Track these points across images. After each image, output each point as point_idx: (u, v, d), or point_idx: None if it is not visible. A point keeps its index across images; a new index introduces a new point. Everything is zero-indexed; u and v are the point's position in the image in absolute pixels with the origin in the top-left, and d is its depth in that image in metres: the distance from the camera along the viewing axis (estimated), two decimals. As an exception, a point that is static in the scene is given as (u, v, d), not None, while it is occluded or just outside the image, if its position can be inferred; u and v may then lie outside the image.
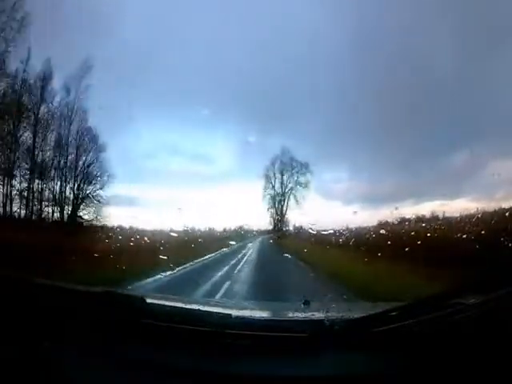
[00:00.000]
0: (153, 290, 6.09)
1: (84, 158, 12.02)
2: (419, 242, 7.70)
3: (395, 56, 12.39)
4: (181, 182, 15.60)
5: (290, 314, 1.59)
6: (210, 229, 17.57)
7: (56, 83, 11.96)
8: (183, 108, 13.49)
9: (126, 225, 11.95)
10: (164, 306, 1.46)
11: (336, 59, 12.74)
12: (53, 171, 11.67)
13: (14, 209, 10.90)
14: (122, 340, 1.16)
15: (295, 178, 19.47)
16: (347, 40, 12.57)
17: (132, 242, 9.44)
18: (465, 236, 6.78)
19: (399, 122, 12.83)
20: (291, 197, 19.47)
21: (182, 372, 1.05)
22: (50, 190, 11.40)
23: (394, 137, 12.94)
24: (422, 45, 12.07)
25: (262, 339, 1.10)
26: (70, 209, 11.51)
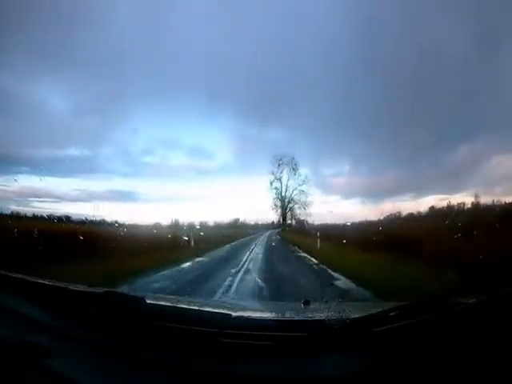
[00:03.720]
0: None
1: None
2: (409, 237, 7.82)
3: (398, 51, 12.32)
4: (179, 177, 15.41)
5: (290, 314, 1.59)
6: (202, 222, 15.25)
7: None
8: (181, 102, 13.38)
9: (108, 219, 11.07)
10: (164, 306, 1.46)
11: (338, 54, 12.62)
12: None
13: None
14: (121, 340, 1.16)
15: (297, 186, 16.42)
16: (351, 33, 12.46)
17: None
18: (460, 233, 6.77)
19: (400, 117, 12.77)
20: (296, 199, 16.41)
21: (182, 372, 1.05)
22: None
23: (395, 131, 12.89)
24: (425, 40, 12.02)
25: (262, 339, 1.10)
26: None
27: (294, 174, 18.06)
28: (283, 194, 18.49)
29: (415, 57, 12.13)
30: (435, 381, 0.95)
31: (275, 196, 18.36)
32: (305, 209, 18.11)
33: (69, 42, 11.54)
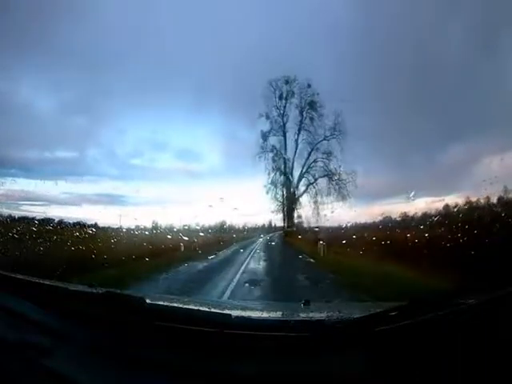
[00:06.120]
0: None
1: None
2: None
3: (391, 50, 12.20)
4: (167, 179, 14.73)
5: (291, 314, 1.59)
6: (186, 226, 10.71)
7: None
8: (169, 101, 13.14)
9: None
10: (164, 306, 1.47)
11: (331, 53, 12.38)
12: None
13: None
14: (121, 340, 1.16)
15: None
16: (343, 32, 12.25)
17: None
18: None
19: (392, 118, 12.66)
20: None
21: (182, 372, 1.05)
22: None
23: (387, 133, 12.74)
24: (420, 37, 11.94)
25: (262, 339, 1.10)
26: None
27: (311, 120, 8.53)
28: (289, 159, 9.12)
29: (408, 56, 12.01)
30: (435, 381, 0.95)
31: (273, 165, 9.02)
32: (338, 185, 8.53)
33: (53, 39, 11.28)
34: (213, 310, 1.49)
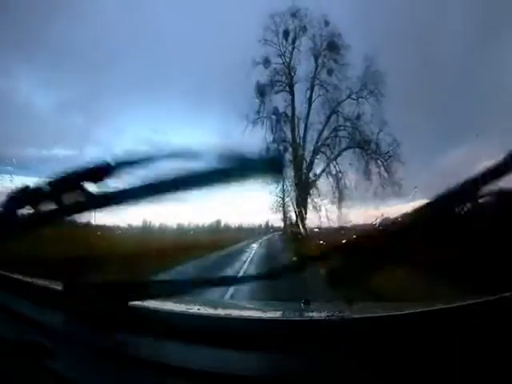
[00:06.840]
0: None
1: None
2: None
3: (391, 48, 12.12)
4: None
5: (290, 314, 1.59)
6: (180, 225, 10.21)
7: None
8: (167, 102, 13.11)
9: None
10: (164, 306, 1.47)
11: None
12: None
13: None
14: (121, 340, 1.16)
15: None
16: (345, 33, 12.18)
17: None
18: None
19: (388, 117, 12.58)
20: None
21: (182, 372, 1.05)
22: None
23: (380, 133, 12.64)
24: (419, 37, 11.89)
25: (262, 339, 1.10)
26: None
27: (330, 71, 6.60)
28: (300, 120, 6.94)
29: (409, 57, 11.97)
30: (435, 381, 0.95)
31: (274, 136, 6.98)
32: (378, 160, 6.42)
33: (52, 37, 11.28)
34: (213, 309, 1.49)
